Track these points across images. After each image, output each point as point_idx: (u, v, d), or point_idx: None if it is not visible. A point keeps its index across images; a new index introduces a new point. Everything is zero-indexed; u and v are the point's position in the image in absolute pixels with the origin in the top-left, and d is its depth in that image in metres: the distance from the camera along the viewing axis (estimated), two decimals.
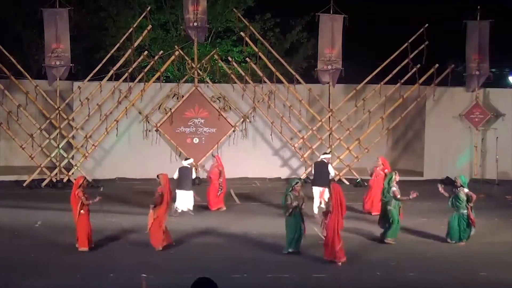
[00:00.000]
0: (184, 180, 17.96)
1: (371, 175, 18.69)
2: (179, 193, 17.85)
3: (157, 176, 15.07)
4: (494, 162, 23.42)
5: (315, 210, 17.79)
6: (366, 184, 19.96)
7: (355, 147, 24.42)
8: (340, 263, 13.53)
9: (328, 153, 19.93)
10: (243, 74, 24.71)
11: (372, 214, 18.16)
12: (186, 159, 18.91)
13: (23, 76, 23.44)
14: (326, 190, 17.42)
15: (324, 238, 13.93)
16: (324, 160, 18.72)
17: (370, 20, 30.52)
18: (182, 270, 13.14)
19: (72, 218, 14.60)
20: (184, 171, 18.06)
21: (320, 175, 18.26)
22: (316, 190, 18.14)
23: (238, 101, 24.67)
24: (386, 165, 18.66)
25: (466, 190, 15.23)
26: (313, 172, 18.71)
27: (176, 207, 17.73)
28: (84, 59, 27.23)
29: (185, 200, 17.90)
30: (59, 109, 23.42)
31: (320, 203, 17.93)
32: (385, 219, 15.44)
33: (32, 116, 23.73)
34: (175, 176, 17.99)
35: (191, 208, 17.99)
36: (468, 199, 15.18)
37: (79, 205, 14.29)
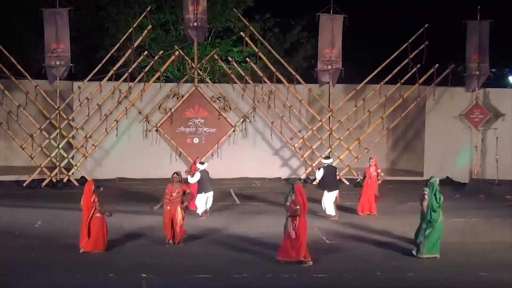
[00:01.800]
0: (205, 182, 17.83)
1: (364, 177, 18.66)
2: (202, 196, 17.73)
3: (177, 173, 15.08)
4: (494, 162, 23.39)
5: (333, 212, 17.75)
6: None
7: (355, 147, 24.41)
8: (310, 262, 13.46)
9: (329, 157, 19.80)
10: (243, 74, 24.71)
11: (369, 213, 18.29)
12: (201, 163, 18.20)
13: (23, 76, 23.42)
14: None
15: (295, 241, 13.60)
16: (331, 164, 18.68)
17: (370, 20, 30.52)
18: (182, 270, 13.16)
19: (77, 220, 14.56)
20: (204, 174, 17.88)
21: (333, 179, 18.19)
22: (332, 195, 17.82)
23: (238, 101, 24.67)
24: (376, 165, 18.72)
25: None
26: (321, 177, 18.18)
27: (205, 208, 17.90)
28: (84, 59, 27.22)
29: (205, 202, 17.86)
30: (59, 109, 23.42)
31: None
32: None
33: (32, 116, 23.72)
34: (196, 179, 17.72)
35: (208, 208, 18.00)
36: None
37: (94, 209, 14.26)
